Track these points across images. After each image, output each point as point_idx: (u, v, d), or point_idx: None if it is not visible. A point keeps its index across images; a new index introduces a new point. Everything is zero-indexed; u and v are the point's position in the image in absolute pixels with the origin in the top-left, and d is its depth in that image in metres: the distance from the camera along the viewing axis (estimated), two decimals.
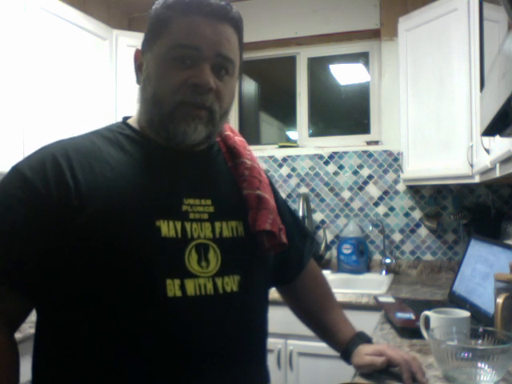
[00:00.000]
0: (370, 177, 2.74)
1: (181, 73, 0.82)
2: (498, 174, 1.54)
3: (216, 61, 0.84)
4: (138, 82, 0.89)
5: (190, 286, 0.79)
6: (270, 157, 2.89)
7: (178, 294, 0.78)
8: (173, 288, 0.78)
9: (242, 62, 0.92)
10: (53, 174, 0.78)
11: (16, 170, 0.80)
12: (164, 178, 0.85)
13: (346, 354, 1.06)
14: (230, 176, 0.95)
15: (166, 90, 0.83)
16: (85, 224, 0.76)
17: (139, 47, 0.91)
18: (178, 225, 0.82)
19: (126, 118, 0.94)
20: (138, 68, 0.90)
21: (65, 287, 0.78)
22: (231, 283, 0.83)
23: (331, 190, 2.80)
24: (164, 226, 0.80)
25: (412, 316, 1.52)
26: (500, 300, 1.17)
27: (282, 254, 0.98)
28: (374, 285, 2.46)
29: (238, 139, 1.01)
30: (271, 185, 1.03)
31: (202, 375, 0.79)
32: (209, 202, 0.87)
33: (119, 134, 0.88)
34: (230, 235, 0.87)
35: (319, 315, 1.11)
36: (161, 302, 0.77)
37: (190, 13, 0.82)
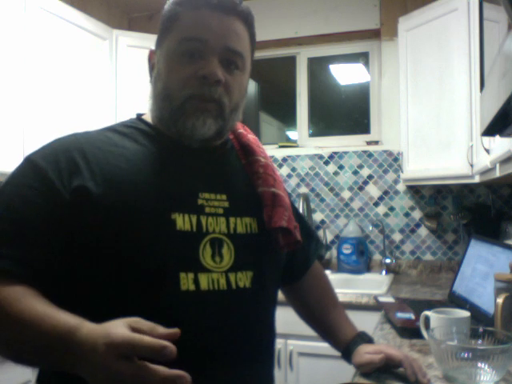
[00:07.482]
0: (370, 177, 2.74)
1: (189, 66, 0.82)
2: (497, 173, 1.54)
3: (224, 54, 0.83)
4: (151, 81, 0.89)
5: (204, 281, 0.79)
6: (270, 157, 2.88)
7: (192, 288, 0.77)
8: (186, 282, 0.77)
9: (253, 57, 0.91)
10: (66, 165, 0.77)
11: (28, 159, 0.79)
12: (179, 171, 0.85)
13: (346, 354, 1.06)
14: (244, 173, 0.95)
15: (175, 85, 0.83)
16: (100, 215, 0.75)
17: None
18: (194, 218, 0.81)
19: (139, 115, 0.93)
20: (152, 68, 0.89)
21: (76, 278, 0.77)
22: (244, 279, 0.83)
23: (331, 189, 2.80)
24: (179, 218, 0.79)
25: (412, 316, 1.52)
26: (500, 300, 1.17)
27: (288, 254, 0.97)
28: (374, 285, 2.46)
29: (252, 137, 1.01)
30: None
31: (209, 370, 0.78)
32: (224, 196, 0.86)
33: (134, 128, 0.88)
34: (244, 231, 0.86)
35: (321, 315, 1.10)
36: (174, 295, 0.77)
37: (197, 7, 0.83)
